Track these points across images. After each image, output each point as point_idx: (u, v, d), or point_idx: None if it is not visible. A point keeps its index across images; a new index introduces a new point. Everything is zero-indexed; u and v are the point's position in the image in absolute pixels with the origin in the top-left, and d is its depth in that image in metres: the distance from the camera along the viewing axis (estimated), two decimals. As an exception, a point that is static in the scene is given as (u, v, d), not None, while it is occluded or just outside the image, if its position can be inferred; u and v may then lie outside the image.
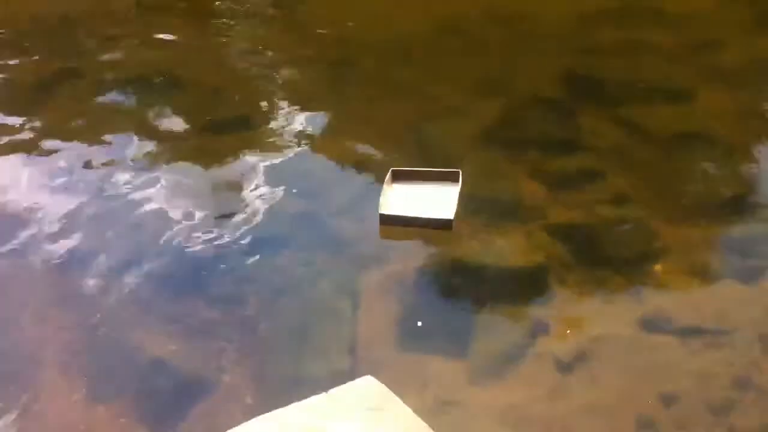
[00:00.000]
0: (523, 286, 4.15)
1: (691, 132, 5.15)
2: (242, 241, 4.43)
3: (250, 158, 5.14)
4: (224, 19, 7.12)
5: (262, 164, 5.06)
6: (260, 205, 4.72)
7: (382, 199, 4.59)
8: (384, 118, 5.51)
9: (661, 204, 4.58)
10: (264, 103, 5.76)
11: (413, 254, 4.35)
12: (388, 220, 4.51)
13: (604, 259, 4.28)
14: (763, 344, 3.73)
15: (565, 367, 3.62)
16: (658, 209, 4.55)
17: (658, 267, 4.21)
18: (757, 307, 3.92)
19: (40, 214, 4.66)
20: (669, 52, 5.98)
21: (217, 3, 7.43)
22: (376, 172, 4.93)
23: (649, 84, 5.64)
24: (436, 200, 4.63)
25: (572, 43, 6.16)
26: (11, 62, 6.42)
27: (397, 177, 4.80)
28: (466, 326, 3.91)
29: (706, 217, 4.48)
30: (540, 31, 6.28)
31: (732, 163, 4.94)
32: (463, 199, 4.66)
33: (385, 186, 4.69)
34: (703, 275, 4.16)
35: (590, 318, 3.91)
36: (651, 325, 3.85)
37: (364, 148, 5.23)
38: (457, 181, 4.71)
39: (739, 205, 4.60)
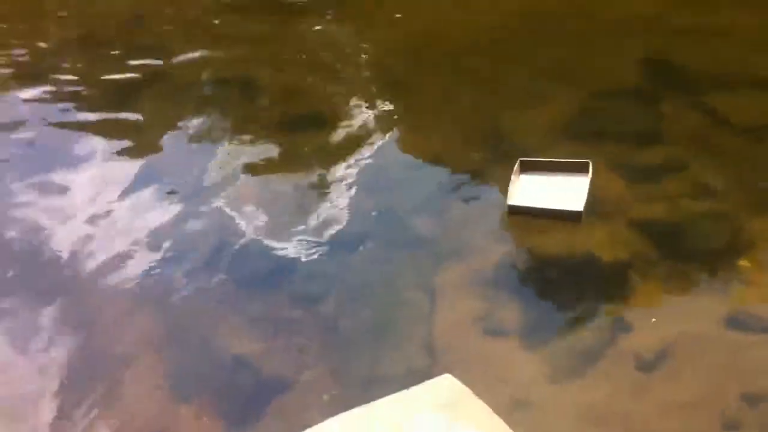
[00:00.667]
0: (606, 282, 4.10)
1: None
2: (321, 240, 4.50)
3: (327, 156, 5.20)
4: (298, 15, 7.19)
5: (339, 163, 5.11)
6: (338, 204, 4.77)
7: (510, 190, 4.59)
8: (460, 110, 5.49)
9: (747, 197, 4.45)
10: (339, 99, 5.80)
11: (493, 249, 4.34)
12: (516, 211, 4.52)
13: (688, 253, 4.19)
14: None
15: (647, 364, 3.57)
16: (744, 202, 4.42)
17: (744, 262, 4.10)
18: None
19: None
20: (753, 36, 5.77)
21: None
22: (453, 166, 4.94)
23: (733, 71, 5.47)
24: (566, 191, 4.59)
25: (652, 30, 6.01)
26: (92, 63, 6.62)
27: (525, 167, 4.77)
28: (547, 322, 3.89)
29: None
30: (618, 18, 6.14)
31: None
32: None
33: (513, 176, 4.67)
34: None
35: (673, 314, 3.84)
36: (736, 322, 3.76)
37: (440, 141, 5.23)
38: (587, 171, 4.66)
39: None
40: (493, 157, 4.95)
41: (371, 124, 5.48)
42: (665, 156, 4.81)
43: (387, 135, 5.38)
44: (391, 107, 5.65)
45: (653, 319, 3.80)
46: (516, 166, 4.71)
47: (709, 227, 4.32)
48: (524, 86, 5.57)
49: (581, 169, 4.66)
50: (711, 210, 4.40)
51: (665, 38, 5.93)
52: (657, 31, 6.01)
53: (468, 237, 4.45)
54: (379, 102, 5.72)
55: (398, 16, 6.74)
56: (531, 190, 4.65)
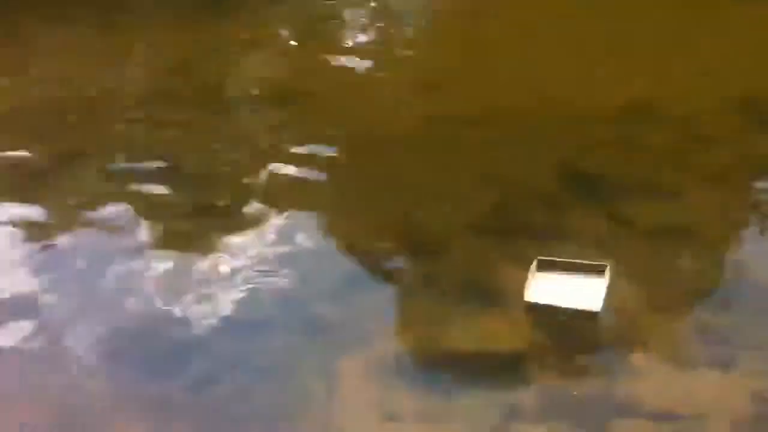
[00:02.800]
0: (503, 371, 4.17)
1: (678, 227, 5.20)
2: (223, 324, 4.52)
3: (232, 241, 5.25)
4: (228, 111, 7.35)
5: (244, 247, 5.17)
6: (242, 288, 4.81)
7: (527, 288, 4.64)
8: (375, 208, 5.62)
9: (643, 294, 4.61)
10: (253, 192, 5.87)
11: (395, 338, 4.41)
12: (532, 309, 4.55)
13: (584, 347, 4.31)
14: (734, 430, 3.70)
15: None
16: (640, 299, 4.58)
17: (636, 353, 4.22)
18: (730, 394, 3.90)
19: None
20: (663, 149, 6.07)
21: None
22: (362, 255, 5.05)
23: (641, 179, 5.73)
24: (583, 291, 4.64)
25: (568, 140, 6.27)
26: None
27: (542, 266, 4.83)
28: (442, 412, 3.92)
29: (685, 307, 4.50)
30: (535, 124, 6.42)
31: (715, 258, 4.99)
32: (449, 282, 4.76)
33: (530, 274, 4.73)
34: (680, 363, 4.15)
35: (565, 405, 3.92)
36: (622, 411, 3.86)
37: (351, 231, 5.34)
38: (604, 273, 4.72)
39: (718, 297, 4.62)
40: (403, 249, 5.07)
41: (285, 214, 5.54)
42: (570, 256, 4.95)
43: (296, 222, 5.47)
44: (308, 202, 5.73)
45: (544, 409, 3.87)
46: (533, 265, 4.77)
47: (607, 321, 4.46)
48: (440, 186, 5.74)
49: (599, 271, 4.73)
50: (612, 306, 4.53)
51: (584, 147, 6.19)
52: (574, 143, 6.27)
53: (372, 326, 4.50)
54: (294, 196, 5.79)
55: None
56: (548, 289, 4.69)
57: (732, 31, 8.30)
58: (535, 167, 5.92)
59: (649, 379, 4.04)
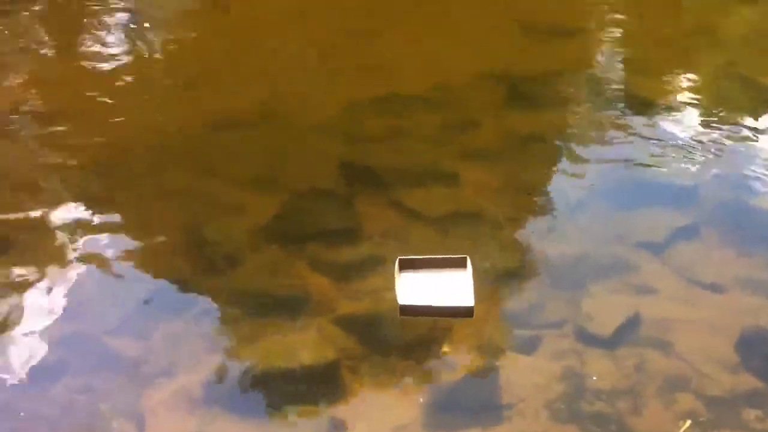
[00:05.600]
0: (318, 384, 4.08)
1: (461, 210, 5.35)
2: (15, 375, 4.13)
3: (11, 283, 4.76)
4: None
5: (28, 288, 4.71)
6: (31, 333, 4.40)
7: (397, 290, 4.49)
8: (158, 224, 5.30)
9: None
10: (24, 216, 5.35)
11: (203, 364, 4.18)
12: (407, 312, 4.41)
13: (393, 346, 4.32)
14: (550, 411, 3.88)
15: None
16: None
17: (445, 347, 4.30)
18: (539, 375, 4.08)
19: None
20: (432, 135, 6.24)
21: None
22: (157, 279, 4.78)
23: (419, 167, 5.83)
24: (452, 288, 4.56)
25: (342, 133, 6.27)
26: None
27: (404, 266, 4.69)
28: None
29: (485, 291, 4.62)
30: (309, 123, 6.35)
31: (501, 237, 5.18)
32: (248, 297, 4.58)
33: (395, 277, 4.58)
34: (488, 351, 4.28)
35: (384, 408, 3.93)
36: (442, 407, 3.90)
37: (137, 259, 5.00)
38: (465, 266, 4.64)
39: (512, 276, 4.81)
40: (195, 267, 4.83)
41: (69, 243, 5.09)
42: (366, 252, 4.96)
43: (80, 252, 5.03)
44: (86, 223, 5.28)
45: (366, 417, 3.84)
46: (396, 266, 4.66)
47: (411, 318, 4.49)
48: (222, 195, 5.51)
49: (460, 264, 4.69)
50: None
51: (356, 141, 6.21)
52: (348, 135, 6.27)
53: (176, 354, 4.26)
54: (70, 218, 5.33)
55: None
56: (417, 289, 4.60)
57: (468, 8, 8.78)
58: (313, 167, 5.86)
59: (461, 372, 4.12)
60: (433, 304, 4.47)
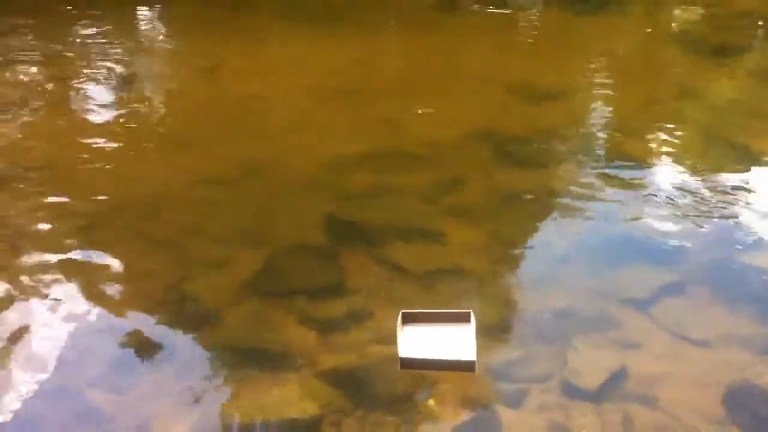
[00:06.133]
0: (300, 439, 4.02)
1: (447, 267, 5.34)
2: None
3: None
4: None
5: (6, 340, 4.64)
6: (5, 383, 4.31)
7: (398, 343, 4.46)
8: (140, 279, 5.26)
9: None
10: (5, 263, 5.35)
11: (179, 421, 4.10)
12: (408, 365, 4.37)
13: (378, 400, 4.24)
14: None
15: None
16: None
17: (431, 401, 4.24)
18: (525, 429, 4.02)
19: None
20: (419, 192, 6.26)
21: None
22: (134, 333, 4.72)
23: (406, 223, 5.84)
24: (454, 342, 4.52)
25: (329, 190, 6.29)
26: None
27: (407, 319, 4.67)
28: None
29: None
30: (296, 180, 6.38)
31: (487, 292, 5.15)
32: (229, 351, 4.50)
33: (397, 330, 4.56)
34: (474, 404, 4.22)
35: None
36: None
37: (118, 313, 4.94)
38: (469, 321, 4.62)
39: (498, 331, 4.77)
40: (176, 322, 4.78)
41: (49, 295, 5.05)
42: (351, 306, 4.92)
43: (66, 304, 4.99)
44: (71, 279, 5.25)
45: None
46: (399, 319, 4.63)
47: (396, 372, 4.43)
48: (205, 251, 5.48)
49: (464, 319, 4.67)
50: (396, 354, 4.51)
51: (343, 197, 6.22)
52: (335, 191, 6.29)
53: (153, 409, 4.18)
54: (57, 271, 5.30)
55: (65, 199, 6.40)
56: (419, 342, 4.56)
57: (457, 70, 8.92)
58: (299, 222, 5.86)
59: (447, 427, 4.06)
60: (433, 358, 4.42)
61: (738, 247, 5.58)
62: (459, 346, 4.52)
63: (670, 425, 4.04)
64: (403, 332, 4.66)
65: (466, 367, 4.39)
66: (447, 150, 6.92)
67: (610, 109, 8.21)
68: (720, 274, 5.35)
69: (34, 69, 8.88)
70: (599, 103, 8.34)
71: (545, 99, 8.04)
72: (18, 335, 4.69)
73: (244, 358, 4.52)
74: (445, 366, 4.40)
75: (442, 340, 4.59)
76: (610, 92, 8.60)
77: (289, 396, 4.25)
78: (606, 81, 8.92)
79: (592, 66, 9.48)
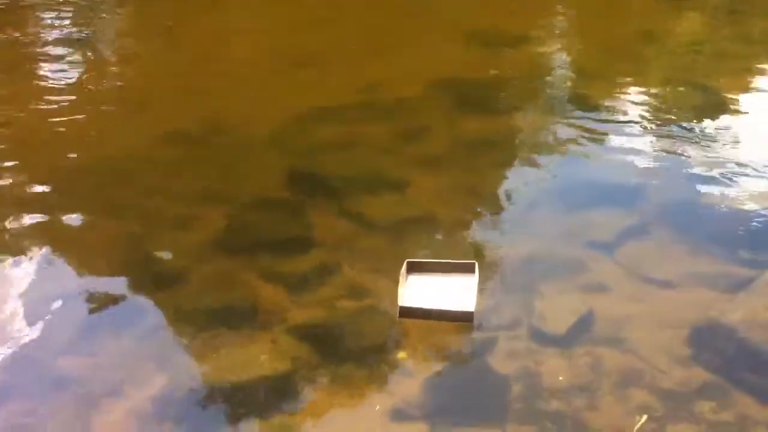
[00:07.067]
0: (274, 395, 4.01)
1: (412, 216, 5.34)
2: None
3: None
4: None
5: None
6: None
7: (400, 292, 4.44)
8: (105, 241, 5.19)
9: (395, 289, 4.65)
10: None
11: (153, 381, 4.08)
12: (407, 314, 4.37)
13: (349, 354, 4.25)
14: (508, 411, 3.85)
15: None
16: (393, 295, 4.61)
17: (401, 354, 4.26)
18: (495, 377, 4.06)
19: None
20: (382, 143, 6.22)
21: None
22: (99, 297, 4.65)
23: (368, 175, 5.81)
24: (455, 292, 4.52)
25: (293, 145, 6.23)
26: None
27: (412, 269, 4.67)
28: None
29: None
30: (257, 136, 6.31)
31: (453, 241, 5.16)
32: (197, 311, 4.49)
33: (400, 278, 4.53)
34: (444, 355, 4.25)
35: (342, 418, 3.86)
36: (401, 415, 3.85)
37: (83, 278, 4.88)
38: (474, 272, 4.60)
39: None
40: (143, 282, 4.73)
41: (14, 264, 4.96)
42: (317, 261, 4.90)
43: (30, 272, 4.90)
44: (31, 247, 5.16)
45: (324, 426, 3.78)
46: (403, 268, 4.61)
47: (366, 325, 4.43)
48: (169, 210, 5.42)
49: (468, 269, 4.65)
50: (365, 308, 4.53)
51: (307, 150, 6.17)
52: (299, 145, 6.24)
53: (122, 372, 4.14)
54: (19, 238, 5.21)
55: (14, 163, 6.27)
56: (421, 291, 4.56)
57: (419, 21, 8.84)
58: (262, 178, 5.82)
59: (418, 378, 4.08)
60: (432, 308, 4.43)
61: (700, 188, 5.63)
62: (459, 297, 4.53)
63: (637, 366, 4.10)
64: (406, 281, 4.67)
65: (463, 318, 4.41)
66: (411, 101, 6.88)
67: (573, 55, 8.20)
68: (682, 215, 5.41)
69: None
70: (562, 48, 8.32)
71: (507, 46, 8.01)
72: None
73: (213, 317, 4.48)
74: (443, 316, 4.41)
75: (443, 290, 4.60)
76: (572, 37, 8.58)
77: (260, 353, 4.23)
78: (568, 26, 8.88)
79: (554, 10, 9.43)
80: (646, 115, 6.65)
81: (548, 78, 7.53)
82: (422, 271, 4.74)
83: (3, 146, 6.29)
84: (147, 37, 8.70)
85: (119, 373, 4.15)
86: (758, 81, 7.48)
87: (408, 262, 4.72)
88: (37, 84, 7.46)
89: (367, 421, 3.84)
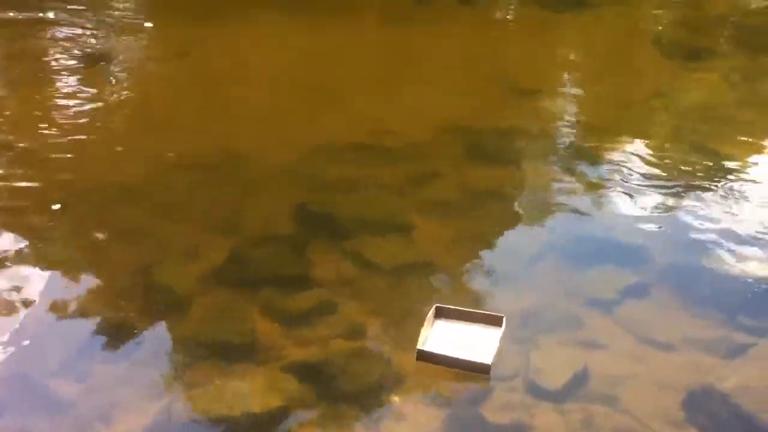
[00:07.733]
0: (263, 431, 4.00)
1: (415, 261, 5.35)
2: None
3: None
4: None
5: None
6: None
7: (422, 335, 4.43)
8: (108, 264, 5.21)
9: (393, 333, 4.65)
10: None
11: (145, 409, 4.07)
12: (424, 357, 4.36)
13: (343, 394, 4.24)
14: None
15: None
16: (391, 338, 4.61)
17: (395, 397, 4.25)
18: (488, 428, 4.05)
19: None
20: (392, 186, 6.25)
21: None
22: (99, 321, 4.66)
23: (376, 217, 5.83)
24: (477, 343, 4.51)
25: (303, 181, 6.26)
26: None
27: (440, 314, 4.67)
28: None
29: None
30: (270, 168, 6.35)
31: (453, 288, 5.17)
32: (195, 342, 4.49)
33: (426, 321, 4.52)
34: (438, 402, 4.24)
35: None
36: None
37: (83, 300, 4.88)
38: (501, 325, 4.59)
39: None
40: (143, 310, 4.74)
41: (14, 282, 4.96)
42: (317, 299, 4.91)
43: (30, 291, 4.91)
44: (35, 265, 5.18)
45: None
46: (431, 312, 4.62)
47: (361, 366, 4.43)
48: (175, 237, 5.44)
49: (495, 322, 4.65)
50: (361, 348, 4.53)
51: (316, 189, 6.19)
52: (308, 183, 6.26)
53: (115, 398, 4.14)
54: (23, 258, 5.22)
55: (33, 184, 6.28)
56: (442, 337, 4.56)
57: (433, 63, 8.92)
58: (270, 212, 5.84)
59: (410, 423, 4.07)
60: (449, 355, 4.41)
61: (702, 249, 5.64)
62: (480, 348, 4.50)
63: (631, 426, 4.08)
64: (432, 326, 4.66)
65: (480, 369, 4.38)
66: (421, 145, 6.92)
67: (583, 108, 8.26)
68: (684, 277, 5.41)
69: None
70: (573, 101, 8.38)
71: (520, 95, 8.07)
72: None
73: (209, 350, 4.49)
74: (460, 365, 4.39)
75: (465, 339, 4.59)
76: (583, 91, 8.66)
77: (254, 389, 4.23)
78: (580, 80, 8.96)
79: (567, 64, 9.52)
80: (652, 173, 6.68)
81: (557, 131, 7.57)
82: (449, 318, 4.75)
83: (15, 164, 6.32)
84: (166, 59, 8.77)
85: (111, 399, 4.14)
86: (767, 148, 7.53)
87: (436, 307, 4.73)
88: (53, 102, 7.51)
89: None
